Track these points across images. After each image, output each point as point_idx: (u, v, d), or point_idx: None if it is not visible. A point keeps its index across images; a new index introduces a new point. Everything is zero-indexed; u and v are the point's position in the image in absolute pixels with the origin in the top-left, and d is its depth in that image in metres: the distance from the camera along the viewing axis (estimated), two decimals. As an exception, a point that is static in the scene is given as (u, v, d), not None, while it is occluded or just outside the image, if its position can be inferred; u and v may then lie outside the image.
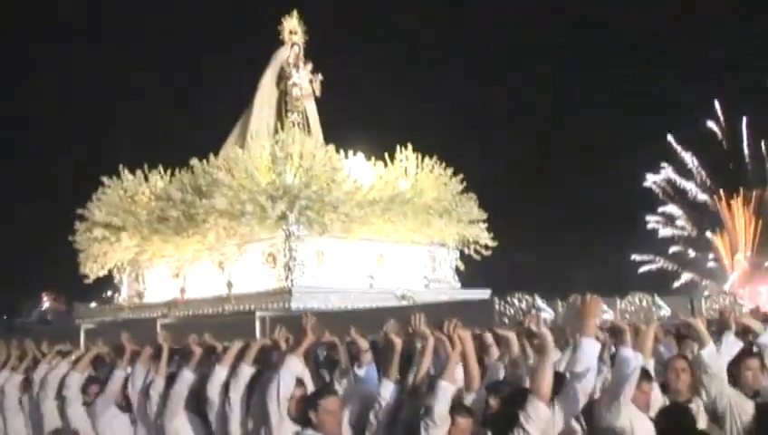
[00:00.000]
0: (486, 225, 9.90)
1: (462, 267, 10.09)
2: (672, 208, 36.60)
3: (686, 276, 35.63)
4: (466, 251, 9.96)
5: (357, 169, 8.88)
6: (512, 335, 5.54)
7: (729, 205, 35.93)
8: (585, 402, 4.58)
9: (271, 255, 8.30)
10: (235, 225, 8.03)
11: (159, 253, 9.58)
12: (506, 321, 5.42)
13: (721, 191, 35.92)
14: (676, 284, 35.16)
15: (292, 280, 7.92)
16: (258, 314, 7.33)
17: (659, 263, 35.76)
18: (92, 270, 10.00)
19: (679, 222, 36.49)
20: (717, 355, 5.52)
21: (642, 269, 35.71)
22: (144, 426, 6.34)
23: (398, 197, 8.84)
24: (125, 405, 6.30)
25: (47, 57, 33.00)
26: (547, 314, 5.47)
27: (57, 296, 35.96)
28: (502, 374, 5.29)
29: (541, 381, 4.41)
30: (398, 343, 5.25)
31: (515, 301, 5.57)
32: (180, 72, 32.53)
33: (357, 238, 8.61)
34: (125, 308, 9.82)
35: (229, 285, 8.41)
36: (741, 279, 34.18)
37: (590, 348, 4.55)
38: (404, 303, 8.54)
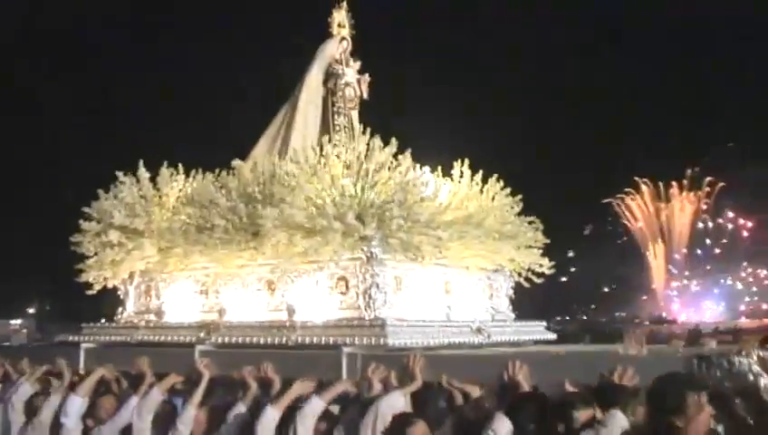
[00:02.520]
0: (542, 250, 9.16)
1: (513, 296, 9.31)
2: None
3: None
4: (516, 278, 9.23)
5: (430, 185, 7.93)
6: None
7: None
8: None
9: (342, 278, 7.20)
10: (310, 243, 6.87)
11: (186, 264, 8.30)
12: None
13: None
14: None
15: (376, 311, 6.86)
16: (345, 350, 6.36)
17: None
18: (98, 279, 8.63)
19: None
20: None
21: None
22: None
23: (471, 218, 7.95)
24: None
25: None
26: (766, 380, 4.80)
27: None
28: None
29: None
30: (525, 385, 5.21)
31: (724, 362, 4.87)
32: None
33: (430, 264, 7.65)
34: (139, 328, 8.44)
35: (290, 310, 7.24)
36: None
37: None
38: (480, 338, 7.68)
